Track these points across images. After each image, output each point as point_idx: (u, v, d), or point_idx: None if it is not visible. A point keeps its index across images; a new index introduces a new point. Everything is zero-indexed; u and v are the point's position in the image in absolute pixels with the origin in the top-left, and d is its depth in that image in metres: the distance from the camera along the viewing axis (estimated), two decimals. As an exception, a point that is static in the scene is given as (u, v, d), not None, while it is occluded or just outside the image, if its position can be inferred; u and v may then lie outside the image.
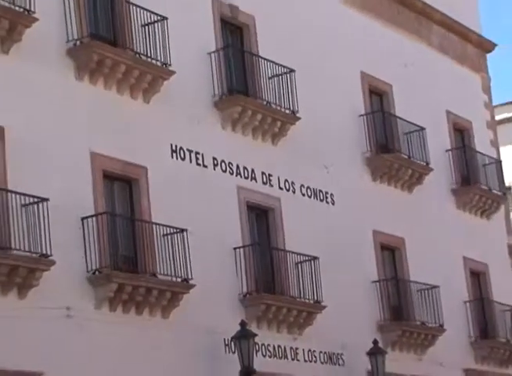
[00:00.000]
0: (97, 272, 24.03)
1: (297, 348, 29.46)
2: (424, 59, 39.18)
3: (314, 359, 29.97)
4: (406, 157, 35.68)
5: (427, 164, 36.50)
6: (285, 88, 30.84)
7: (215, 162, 28.72)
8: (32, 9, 23.60)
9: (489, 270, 39.11)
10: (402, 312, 33.99)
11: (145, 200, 26.09)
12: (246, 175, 29.63)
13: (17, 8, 23.35)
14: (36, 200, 22.56)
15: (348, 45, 34.86)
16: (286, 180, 30.84)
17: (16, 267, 21.85)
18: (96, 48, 25.30)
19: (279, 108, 30.59)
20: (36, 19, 23.61)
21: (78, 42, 25.17)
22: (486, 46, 43.30)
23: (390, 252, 34.50)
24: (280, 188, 30.69)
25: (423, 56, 39.24)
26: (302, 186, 31.41)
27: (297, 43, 32.10)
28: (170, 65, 27.05)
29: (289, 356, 29.12)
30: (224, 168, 28.94)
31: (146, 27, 26.85)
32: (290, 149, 31.08)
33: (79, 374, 22.87)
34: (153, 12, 26.83)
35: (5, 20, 22.94)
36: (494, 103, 43.67)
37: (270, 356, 28.24)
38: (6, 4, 23.22)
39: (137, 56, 26.44)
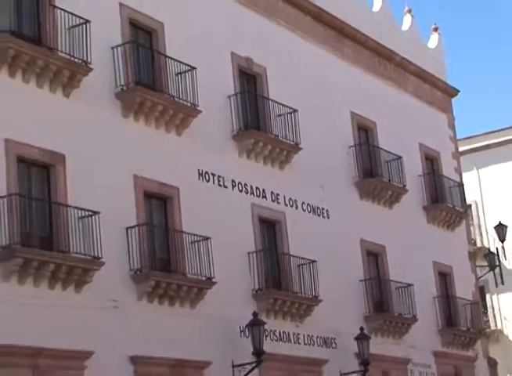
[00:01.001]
0: (138, 272, 24.30)
1: (298, 334, 29.60)
2: (402, 102, 39.28)
3: (312, 342, 30.11)
4: (387, 180, 35.82)
5: (404, 186, 36.63)
6: (289, 124, 30.93)
7: (233, 184, 28.89)
8: (88, 60, 23.92)
9: (453, 272, 39.12)
10: (383, 305, 34.04)
11: (177, 214, 26.30)
12: (258, 194, 29.79)
13: (76, 60, 23.66)
14: (90, 213, 22.82)
15: (341, 90, 34.94)
16: (290, 198, 31.00)
17: (73, 267, 22.17)
18: (139, 92, 25.59)
19: (285, 140, 30.70)
20: (91, 70, 23.90)
21: (125, 87, 25.41)
22: (451, 92, 43.37)
23: (374, 257, 34.53)
24: (285, 204, 30.83)
25: (401, 100, 39.36)
26: (303, 203, 31.56)
27: (300, 89, 32.23)
28: (198, 106, 27.20)
29: (292, 340, 29.28)
30: (240, 189, 29.14)
31: (179, 75, 27.05)
32: (294, 173, 31.23)
33: (122, 352, 23.18)
34: (184, 63, 27.05)
35: (66, 70, 23.24)
36: (458, 138, 43.66)
37: (277, 340, 28.39)
38: (68, 56, 23.53)
39: (171, 98, 26.63)
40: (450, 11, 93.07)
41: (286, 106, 31.07)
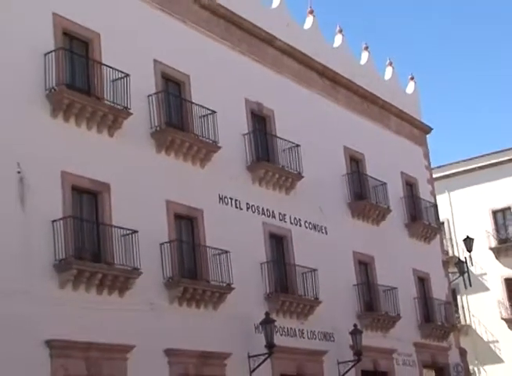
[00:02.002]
0: (170, 280, 24.25)
1: (302, 330, 29.46)
2: (385, 137, 39.28)
3: (314, 337, 29.97)
4: (374, 202, 35.68)
5: (388, 207, 36.55)
6: (293, 156, 30.92)
7: (247, 206, 28.85)
8: (128, 106, 24.06)
9: (430, 277, 38.98)
10: (372, 305, 33.83)
11: (201, 232, 26.27)
12: (268, 214, 29.72)
13: (119, 106, 23.80)
14: (130, 231, 22.92)
15: (335, 128, 35.01)
16: (294, 218, 30.89)
17: (117, 276, 22.27)
18: (170, 133, 25.64)
19: (290, 170, 30.67)
20: (131, 114, 24.02)
21: (158, 128, 25.48)
22: (425, 129, 43.25)
23: (364, 265, 34.37)
24: (291, 223, 30.74)
25: (385, 136, 39.35)
26: (305, 221, 31.45)
27: (302, 127, 32.23)
28: (218, 143, 27.25)
29: (297, 335, 29.12)
30: (253, 210, 29.07)
31: (202, 118, 27.14)
32: (297, 197, 31.15)
33: (158, 346, 23.17)
34: (206, 108, 27.15)
35: (110, 115, 23.43)
36: (432, 166, 43.64)
37: (285, 335, 28.23)
38: (112, 104, 23.66)
39: (196, 137, 26.68)
40: (428, 61, 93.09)
41: (291, 142, 31.08)
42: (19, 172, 20.79)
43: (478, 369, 50.42)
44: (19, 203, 20.65)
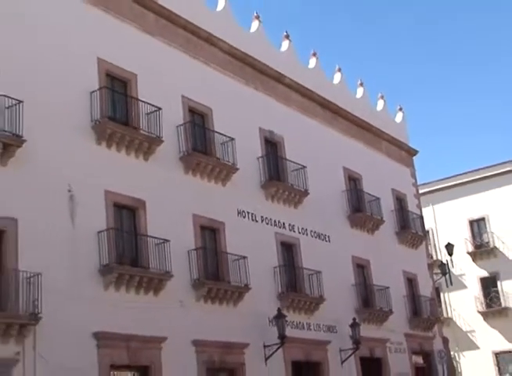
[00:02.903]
0: (197, 281, 24.22)
1: (309, 323, 29.31)
2: (378, 159, 39.16)
3: (319, 329, 29.81)
4: (369, 214, 35.62)
5: (381, 218, 36.43)
6: (301, 176, 30.89)
7: (262, 219, 28.73)
8: (161, 135, 24.12)
9: (417, 277, 38.82)
10: (368, 302, 33.67)
11: (223, 241, 26.18)
12: (279, 225, 29.61)
13: (153, 135, 23.86)
14: (163, 241, 22.88)
15: (336, 152, 34.95)
16: (302, 228, 30.79)
17: (152, 278, 22.30)
18: (195, 157, 25.68)
19: (297, 188, 30.60)
20: (162, 142, 24.11)
21: (186, 153, 25.51)
22: (412, 152, 43.15)
23: (361, 268, 34.18)
24: (299, 232, 30.62)
25: (378, 158, 39.22)
26: (311, 231, 31.34)
27: (308, 151, 32.20)
28: (236, 165, 27.29)
29: (305, 328, 28.98)
30: (267, 222, 28.96)
31: (223, 144, 27.14)
32: (304, 210, 31.03)
33: (187, 337, 23.17)
34: (226, 136, 27.19)
35: (146, 143, 23.54)
36: (418, 183, 43.52)
37: (294, 328, 28.06)
38: (147, 133, 23.73)
39: (218, 160, 26.75)
40: (415, 93, 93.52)
41: (298, 164, 31.03)
42: (69, 191, 20.89)
43: (458, 354, 50.31)
44: (69, 217, 20.73)
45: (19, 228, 19.08)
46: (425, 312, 38.41)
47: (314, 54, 36.39)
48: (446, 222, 53.18)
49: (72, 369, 19.09)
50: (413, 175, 42.67)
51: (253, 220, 28.32)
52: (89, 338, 20.11)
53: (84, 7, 23.39)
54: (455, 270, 50.41)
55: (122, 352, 21.06)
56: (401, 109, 43.94)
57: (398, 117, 43.51)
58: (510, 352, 50.53)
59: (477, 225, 54.05)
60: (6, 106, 19.42)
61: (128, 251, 22.45)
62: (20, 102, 19.59)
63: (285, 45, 34.18)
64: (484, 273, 52.83)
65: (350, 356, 30.55)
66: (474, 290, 52.94)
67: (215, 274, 25.52)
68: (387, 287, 34.93)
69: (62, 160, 20.91)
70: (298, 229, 30.69)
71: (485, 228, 53.47)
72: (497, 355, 50.97)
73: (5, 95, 19.43)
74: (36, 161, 20.01)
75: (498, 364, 50.61)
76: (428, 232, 47.14)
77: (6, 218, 18.85)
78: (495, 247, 52.59)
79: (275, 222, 29.46)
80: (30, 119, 19.85)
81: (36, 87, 20.75)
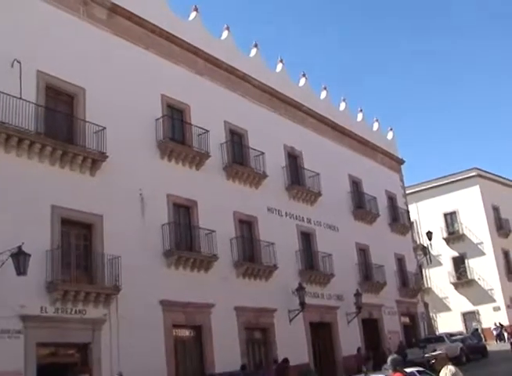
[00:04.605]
0: (237, 262, 24.14)
1: (323, 293, 29.00)
2: (374, 167, 38.55)
3: (330, 297, 29.48)
4: (369, 210, 35.18)
5: (378, 213, 35.97)
6: (316, 181, 30.59)
7: (286, 214, 28.48)
8: (209, 151, 24.05)
9: (405, 258, 38.21)
10: (368, 277, 33.30)
11: (256, 231, 25.99)
12: (299, 219, 29.32)
13: (203, 151, 23.75)
14: (210, 231, 22.79)
15: (344, 162, 34.60)
16: (317, 221, 30.47)
17: (203, 260, 22.29)
18: (235, 167, 25.58)
19: (313, 190, 30.33)
20: (210, 156, 24.05)
21: (227, 164, 25.39)
22: (400, 161, 42.52)
23: (363, 251, 33.72)
24: (315, 224, 30.29)
25: (374, 166, 38.63)
26: (324, 223, 31.00)
27: (321, 162, 31.69)
28: (266, 173, 27.07)
29: (319, 297, 28.69)
30: (290, 217, 28.69)
31: (255, 157, 26.89)
32: (319, 207, 30.67)
33: (230, 304, 23.11)
34: (258, 150, 27.05)
35: (197, 157, 23.51)
36: (405, 185, 43.04)
37: (311, 297, 27.67)
38: (198, 150, 23.60)
39: (251, 169, 26.53)
40: (403, 115, 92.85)
41: (313, 172, 30.79)
42: (140, 194, 20.92)
43: (435, 315, 49.94)
44: (140, 214, 20.77)
45: (104, 222, 19.16)
46: (411, 284, 37.94)
47: (325, 88, 36.24)
48: (426, 215, 52.83)
49: (144, 326, 19.20)
50: (401, 179, 42.17)
51: (279, 215, 28.08)
52: (156, 304, 20.16)
53: (152, 56, 23.51)
54: (433, 252, 49.95)
55: (181, 315, 21.07)
56: (391, 129, 43.56)
57: (389, 135, 43.08)
58: (473, 312, 50.53)
59: (450, 217, 53.58)
60: (94, 131, 19.55)
61: (184, 239, 22.39)
62: (104, 128, 19.69)
63: (302, 81, 33.97)
64: (455, 254, 52.47)
65: (354, 317, 30.28)
66: (448, 266, 52.59)
67: (251, 256, 25.38)
68: (382, 266, 34.58)
69: (135, 171, 20.96)
70: (314, 221, 30.39)
71: (456, 219, 53.04)
72: (464, 315, 51.00)
73: (93, 123, 19.56)
74: (116, 172, 20.06)
75: (465, 321, 50.63)
76: (413, 223, 46.52)
77: (94, 214, 18.98)
78: (463, 234, 52.26)
79: (296, 216, 29.21)
80: (112, 140, 19.93)
81: (115, 116, 20.80)
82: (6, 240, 15.57)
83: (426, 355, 27.54)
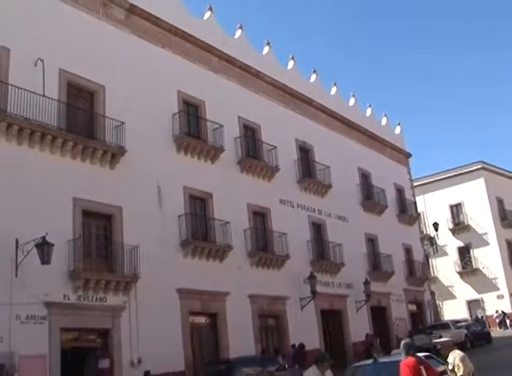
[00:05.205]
0: (250, 252, 24.06)
1: (333, 282, 28.84)
2: (383, 161, 38.20)
3: (340, 286, 29.33)
4: (377, 201, 34.97)
5: (386, 204, 35.77)
6: (326, 174, 30.40)
7: (298, 205, 28.30)
8: (223, 145, 23.99)
9: (412, 247, 37.94)
10: (377, 266, 33.04)
11: (269, 222, 25.88)
12: (311, 210, 29.12)
13: (217, 145, 23.67)
14: (225, 222, 22.74)
15: (354, 156, 34.25)
16: (327, 212, 30.30)
17: (218, 250, 22.22)
18: (248, 161, 25.47)
19: (324, 182, 30.12)
20: (224, 150, 23.97)
21: (241, 158, 25.29)
22: (408, 155, 42.15)
23: (371, 241, 33.49)
24: (325, 215, 30.08)
25: (383, 160, 38.25)
26: (335, 214, 30.80)
27: (331, 155, 31.43)
28: (279, 166, 26.94)
29: (330, 285, 28.54)
30: (302, 208, 28.52)
31: (269, 151, 26.79)
32: (329, 199, 30.43)
33: (244, 292, 23.03)
34: (271, 145, 26.83)
35: (212, 151, 23.41)
36: (413, 178, 42.72)
37: (322, 285, 27.52)
38: (213, 144, 23.51)
39: (265, 163, 26.41)
40: (412, 109, 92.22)
41: (324, 165, 30.61)
42: (158, 187, 20.92)
43: (441, 303, 49.70)
44: (158, 205, 20.77)
45: (123, 213, 19.20)
46: (418, 273, 37.68)
47: (335, 84, 36.04)
48: (433, 207, 52.49)
49: (162, 313, 19.23)
50: (409, 172, 41.83)
51: (291, 207, 27.96)
52: (173, 292, 20.18)
53: (168, 55, 23.44)
54: (439, 242, 49.66)
55: (197, 302, 21.08)
56: (399, 124, 43.24)
57: (397, 130, 42.75)
58: (477, 300, 50.23)
59: (456, 209, 53.20)
60: (113, 126, 19.55)
61: (200, 230, 22.37)
62: (123, 123, 19.69)
63: (313, 77, 33.77)
64: (461, 244, 52.17)
65: (363, 305, 30.13)
66: (453, 256, 52.27)
67: (264, 246, 25.32)
68: (390, 255, 34.35)
69: (152, 164, 20.93)
70: (324, 212, 30.22)
71: (461, 210, 52.66)
72: (469, 302, 50.75)
73: (112, 119, 19.57)
74: (134, 165, 20.06)
75: (469, 309, 50.40)
76: (420, 214, 46.16)
77: (114, 206, 19.02)
78: (468, 225, 51.91)
79: (307, 208, 29.06)
80: (130, 135, 19.94)
81: (134, 112, 20.79)
82: (31, 231, 15.65)
83: (434, 340, 27.42)
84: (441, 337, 28.23)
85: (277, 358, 21.15)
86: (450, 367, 9.98)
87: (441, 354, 10.50)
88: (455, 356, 9.95)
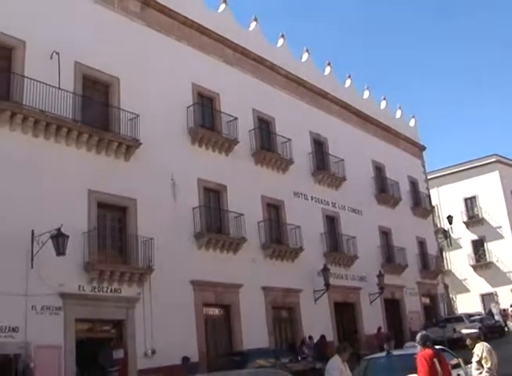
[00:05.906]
0: (264, 244, 23.97)
1: (347, 274, 28.66)
2: (397, 153, 37.88)
3: (354, 278, 29.12)
4: (391, 194, 34.67)
5: (400, 197, 35.40)
6: (340, 166, 30.21)
7: (312, 198, 28.11)
8: (237, 137, 23.85)
9: (426, 241, 37.64)
10: (390, 259, 32.76)
11: (283, 214, 25.71)
12: (324, 203, 28.93)
13: (232, 138, 23.54)
14: (239, 214, 22.65)
15: (366, 148, 33.87)
16: (341, 205, 30.04)
17: (232, 242, 22.17)
18: (263, 153, 25.33)
19: (338, 175, 29.89)
20: (238, 142, 23.83)
21: (255, 150, 25.16)
22: (422, 148, 41.78)
23: (385, 234, 33.17)
24: (339, 208, 29.86)
25: (397, 152, 37.92)
26: (348, 207, 30.57)
27: (345, 148, 31.14)
28: (293, 158, 26.76)
29: (343, 278, 28.35)
30: (315, 201, 28.31)
31: (283, 144, 26.67)
32: (343, 192, 30.21)
33: (257, 284, 22.97)
34: (286, 137, 26.65)
35: (226, 143, 23.30)
36: (427, 171, 42.37)
37: (336, 278, 27.32)
38: (227, 136, 23.40)
39: (279, 155, 26.27)
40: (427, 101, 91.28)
41: (338, 158, 30.33)
42: (172, 179, 20.86)
43: (455, 296, 49.44)
44: (172, 197, 20.71)
45: (137, 205, 19.17)
46: (432, 266, 37.37)
47: (349, 76, 35.74)
48: (447, 200, 52.11)
49: (175, 305, 19.20)
50: (423, 165, 41.45)
51: (305, 199, 27.78)
52: (187, 284, 20.14)
53: (183, 47, 23.32)
54: (453, 235, 49.41)
55: (211, 294, 21.04)
56: (413, 116, 42.79)
57: (412, 122, 42.36)
58: (491, 293, 49.85)
59: (470, 202, 52.79)
60: (128, 118, 19.50)
61: (214, 222, 22.29)
62: (137, 115, 19.63)
63: (328, 69, 33.48)
64: (475, 237, 51.80)
65: (376, 298, 29.94)
66: (467, 249, 51.92)
67: (278, 239, 25.19)
68: (404, 248, 34.09)
69: (167, 157, 20.84)
70: (338, 205, 30.00)
71: (476, 203, 52.26)
72: (483, 296, 50.44)
73: (127, 111, 19.51)
74: (149, 158, 19.99)
75: (483, 302, 50.01)
76: (434, 207, 45.82)
77: (129, 198, 18.98)
78: (482, 218, 51.53)
79: (321, 200, 28.85)
80: (145, 127, 19.87)
81: (148, 104, 20.72)
82: (46, 223, 15.65)
83: (462, 331, 27.13)
84: (454, 330, 28.00)
85: (303, 348, 21.17)
86: (477, 359, 9.90)
87: (466, 345, 10.44)
88: (483, 348, 9.86)
